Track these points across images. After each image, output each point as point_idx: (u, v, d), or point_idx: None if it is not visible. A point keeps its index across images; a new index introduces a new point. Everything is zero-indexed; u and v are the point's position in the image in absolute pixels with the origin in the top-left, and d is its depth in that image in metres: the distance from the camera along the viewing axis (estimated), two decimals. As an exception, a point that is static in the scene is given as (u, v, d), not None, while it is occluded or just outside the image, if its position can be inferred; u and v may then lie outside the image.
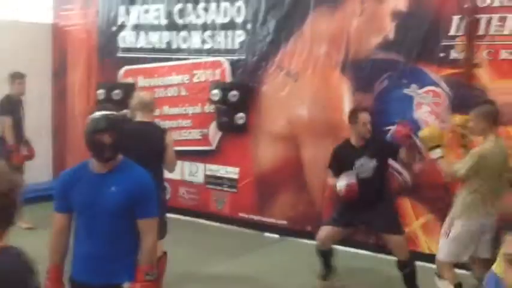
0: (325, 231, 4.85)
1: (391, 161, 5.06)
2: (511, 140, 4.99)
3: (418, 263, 5.25)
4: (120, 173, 2.79)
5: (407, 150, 4.69)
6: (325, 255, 4.89)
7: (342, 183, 4.58)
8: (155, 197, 2.90)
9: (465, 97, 5.17)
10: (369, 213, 4.64)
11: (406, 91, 5.50)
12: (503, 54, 5.04)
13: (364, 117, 4.75)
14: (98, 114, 2.79)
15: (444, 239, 4.19)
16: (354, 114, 4.84)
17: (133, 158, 2.94)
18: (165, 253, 4.47)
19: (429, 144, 4.22)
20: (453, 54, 5.27)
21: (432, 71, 5.38)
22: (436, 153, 4.18)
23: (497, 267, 2.55)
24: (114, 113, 2.84)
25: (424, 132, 4.37)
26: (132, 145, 4.34)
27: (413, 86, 5.47)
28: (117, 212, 2.73)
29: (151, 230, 2.81)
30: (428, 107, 5.38)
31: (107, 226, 2.74)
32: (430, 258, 5.29)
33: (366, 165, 4.69)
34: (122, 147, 2.81)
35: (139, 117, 4.55)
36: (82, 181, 2.80)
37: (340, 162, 4.78)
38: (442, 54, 5.32)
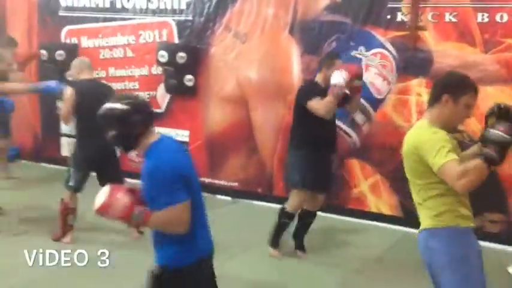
0: (299, 196, 4.56)
1: (340, 123, 5.17)
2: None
3: (367, 222, 5.51)
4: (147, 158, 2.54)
5: (353, 97, 4.51)
6: (291, 218, 4.65)
7: (337, 78, 4.23)
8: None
9: (411, 59, 5.29)
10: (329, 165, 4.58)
11: (354, 53, 5.55)
12: (447, 17, 5.13)
13: (339, 63, 4.47)
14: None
15: None
16: (331, 59, 4.56)
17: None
18: None
19: None
20: (399, 17, 5.33)
21: (379, 34, 5.43)
22: None
23: None
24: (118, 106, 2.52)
25: None
26: (95, 102, 4.29)
27: (361, 48, 5.51)
28: None
29: None
30: (376, 69, 5.45)
31: None
32: (378, 217, 5.55)
33: None
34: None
35: (86, 74, 4.58)
36: None
37: (317, 94, 4.41)
38: (388, 17, 5.36)
